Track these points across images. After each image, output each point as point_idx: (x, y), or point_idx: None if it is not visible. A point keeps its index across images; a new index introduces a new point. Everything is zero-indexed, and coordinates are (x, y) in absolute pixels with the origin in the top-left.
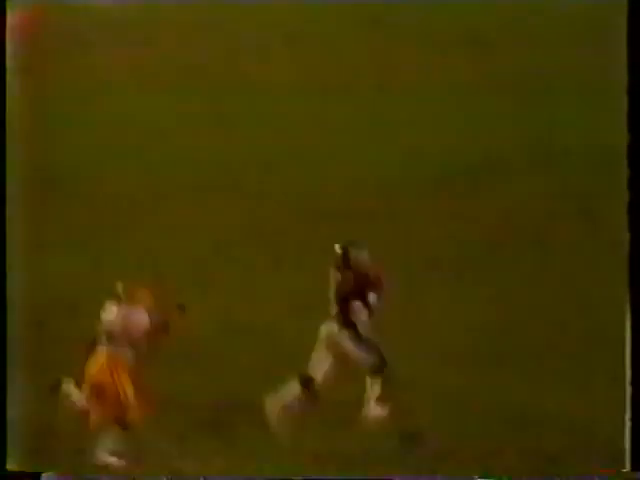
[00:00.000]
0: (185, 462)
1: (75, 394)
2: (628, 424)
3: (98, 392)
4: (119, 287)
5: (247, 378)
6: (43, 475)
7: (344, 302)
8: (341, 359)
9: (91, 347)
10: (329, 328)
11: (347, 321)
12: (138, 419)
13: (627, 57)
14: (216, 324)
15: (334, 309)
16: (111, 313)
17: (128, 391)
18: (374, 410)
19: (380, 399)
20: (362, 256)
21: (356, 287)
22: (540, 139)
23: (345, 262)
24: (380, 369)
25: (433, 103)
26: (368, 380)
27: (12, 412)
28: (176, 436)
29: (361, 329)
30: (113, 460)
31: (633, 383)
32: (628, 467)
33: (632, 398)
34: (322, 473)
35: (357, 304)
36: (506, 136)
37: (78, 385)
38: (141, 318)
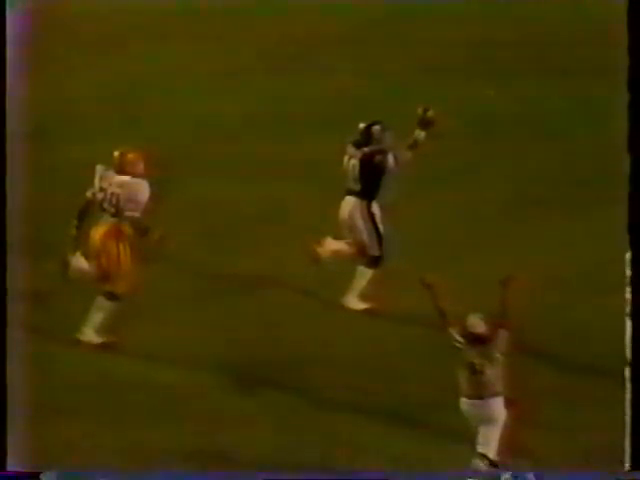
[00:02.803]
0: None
1: (85, 265)
2: (628, 424)
3: (102, 260)
4: (115, 154)
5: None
6: (43, 475)
7: (366, 178)
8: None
9: (84, 213)
10: (349, 203)
11: (367, 198)
12: (127, 293)
13: (627, 56)
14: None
15: (356, 185)
16: (109, 180)
17: (127, 263)
18: (353, 302)
19: (362, 294)
20: (386, 134)
21: (378, 164)
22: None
23: (366, 139)
24: (376, 262)
25: None
26: (358, 269)
27: (12, 410)
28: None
29: (376, 217)
30: (98, 340)
31: (633, 382)
32: (628, 467)
33: (632, 398)
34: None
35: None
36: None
37: (84, 256)
38: (144, 188)
